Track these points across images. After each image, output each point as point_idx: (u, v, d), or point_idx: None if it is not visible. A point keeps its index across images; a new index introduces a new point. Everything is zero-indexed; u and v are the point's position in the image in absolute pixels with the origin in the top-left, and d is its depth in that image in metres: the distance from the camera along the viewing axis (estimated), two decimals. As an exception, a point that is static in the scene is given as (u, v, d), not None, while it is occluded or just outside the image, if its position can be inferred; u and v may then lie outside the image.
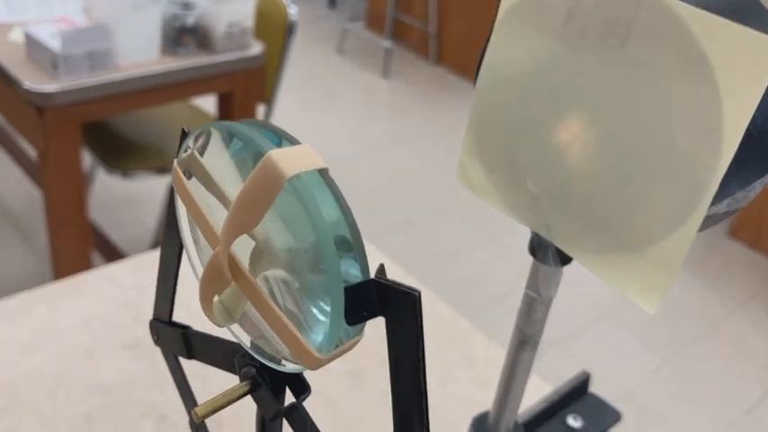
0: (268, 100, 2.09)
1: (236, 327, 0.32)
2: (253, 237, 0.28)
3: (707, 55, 0.24)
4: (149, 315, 0.77)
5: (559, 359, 2.30)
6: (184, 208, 0.29)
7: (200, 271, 0.30)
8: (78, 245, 1.67)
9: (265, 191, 0.24)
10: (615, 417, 0.54)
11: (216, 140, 0.28)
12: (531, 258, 0.34)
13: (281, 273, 0.27)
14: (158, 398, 0.69)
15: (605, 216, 0.27)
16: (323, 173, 0.26)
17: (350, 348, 0.27)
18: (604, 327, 2.44)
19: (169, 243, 0.37)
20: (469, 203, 2.96)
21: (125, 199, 2.69)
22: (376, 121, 3.57)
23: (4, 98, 1.59)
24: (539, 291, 0.31)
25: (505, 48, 0.27)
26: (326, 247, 0.26)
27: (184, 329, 0.40)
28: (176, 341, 0.40)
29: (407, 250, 2.63)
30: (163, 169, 2.08)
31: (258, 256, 0.28)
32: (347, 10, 4.37)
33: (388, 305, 0.25)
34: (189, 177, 0.28)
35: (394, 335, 0.27)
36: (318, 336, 0.28)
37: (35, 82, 1.47)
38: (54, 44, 1.48)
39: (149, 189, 2.75)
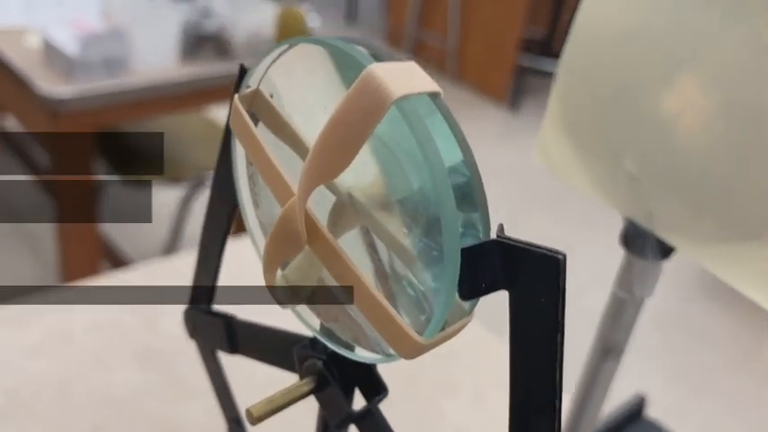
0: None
1: (302, 308, 0.26)
2: (333, 190, 0.23)
3: None
4: (161, 322, 0.73)
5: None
6: (242, 159, 0.24)
7: (260, 239, 0.25)
8: (87, 255, 1.63)
9: (364, 116, 0.17)
10: (674, 443, 0.49)
11: (289, 65, 0.23)
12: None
13: (369, 234, 0.22)
14: (171, 411, 0.64)
15: (724, 197, 0.22)
16: (436, 99, 0.21)
17: (457, 332, 0.21)
18: (628, 355, 2.38)
19: (217, 208, 0.30)
20: (498, 218, 2.91)
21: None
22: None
23: (19, 102, 1.57)
24: (632, 290, 0.27)
25: (603, 3, 0.23)
26: (444, 194, 0.19)
27: (228, 319, 0.32)
28: (217, 333, 0.32)
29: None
30: (176, 180, 2.05)
31: (338, 214, 0.23)
32: (366, 25, 4.36)
33: (516, 274, 0.19)
34: (255, 122, 0.23)
35: (523, 313, 0.20)
36: (419, 314, 0.21)
37: (50, 86, 1.44)
38: (70, 49, 1.45)
39: (161, 202, 2.71)
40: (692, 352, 2.44)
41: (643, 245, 0.26)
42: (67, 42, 1.47)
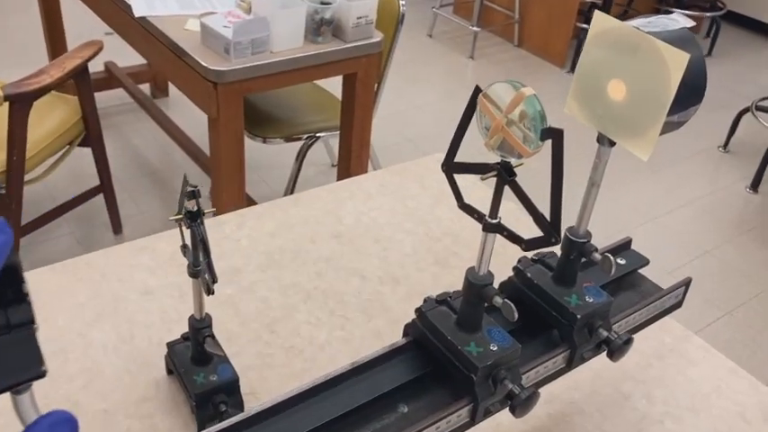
0: (380, 79, 2.49)
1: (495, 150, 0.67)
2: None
3: (665, 57, 0.60)
4: (344, 216, 1.16)
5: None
6: (478, 114, 0.65)
7: (484, 135, 0.66)
8: (236, 190, 2.10)
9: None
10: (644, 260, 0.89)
11: (499, 85, 0.64)
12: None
13: None
14: (358, 265, 1.07)
15: (628, 121, 0.64)
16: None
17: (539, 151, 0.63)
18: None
19: (465, 121, 0.69)
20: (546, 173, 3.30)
21: (250, 164, 3.13)
22: (463, 96, 3.93)
23: (183, 75, 2.02)
24: (600, 158, 0.68)
25: (590, 51, 0.64)
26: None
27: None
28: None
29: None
30: (291, 138, 2.50)
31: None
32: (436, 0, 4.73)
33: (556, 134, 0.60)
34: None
35: (555, 153, 0.61)
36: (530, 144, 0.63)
37: (211, 63, 1.89)
38: (227, 33, 1.89)
39: (270, 156, 3.18)
40: (725, 282, 2.80)
41: (603, 140, 0.68)
42: (223, 27, 1.91)
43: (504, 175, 0.55)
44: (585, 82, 0.64)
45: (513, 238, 0.58)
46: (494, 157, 0.59)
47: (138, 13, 2.10)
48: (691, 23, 0.61)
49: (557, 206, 0.54)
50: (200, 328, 0.75)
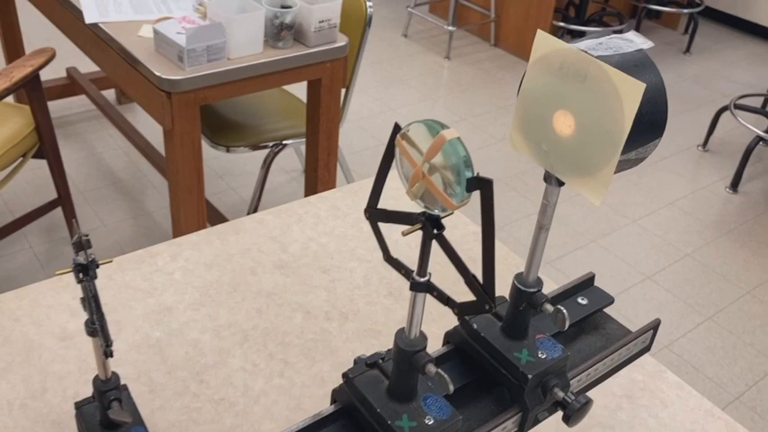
0: (347, 84, 2.40)
1: (418, 200, 0.59)
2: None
3: (617, 87, 0.51)
4: (290, 243, 1.08)
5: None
6: (398, 157, 0.57)
7: (404, 182, 0.57)
8: (195, 202, 2.00)
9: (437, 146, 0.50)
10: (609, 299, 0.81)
11: (417, 127, 0.55)
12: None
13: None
14: (303, 299, 0.99)
15: (578, 159, 0.55)
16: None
17: (465, 205, 0.54)
18: (649, 286, 2.70)
19: (385, 166, 0.62)
20: (525, 175, 3.22)
21: (219, 172, 3.04)
22: (439, 97, 3.85)
23: (136, 84, 1.92)
24: (548, 199, 0.59)
25: (533, 77, 0.56)
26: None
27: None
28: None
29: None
30: (257, 146, 2.41)
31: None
32: (411, 0, 4.64)
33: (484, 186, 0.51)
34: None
35: (485, 203, 0.52)
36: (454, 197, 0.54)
37: (165, 71, 1.79)
38: (180, 39, 1.80)
39: (240, 163, 3.09)
40: (707, 285, 2.74)
41: (551, 179, 0.59)
42: (177, 34, 1.81)
43: (429, 228, 0.47)
44: (529, 112, 0.55)
45: (444, 299, 0.50)
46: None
47: (89, 19, 2.00)
48: (649, 44, 0.53)
49: (489, 268, 0.46)
50: (105, 391, 0.66)
